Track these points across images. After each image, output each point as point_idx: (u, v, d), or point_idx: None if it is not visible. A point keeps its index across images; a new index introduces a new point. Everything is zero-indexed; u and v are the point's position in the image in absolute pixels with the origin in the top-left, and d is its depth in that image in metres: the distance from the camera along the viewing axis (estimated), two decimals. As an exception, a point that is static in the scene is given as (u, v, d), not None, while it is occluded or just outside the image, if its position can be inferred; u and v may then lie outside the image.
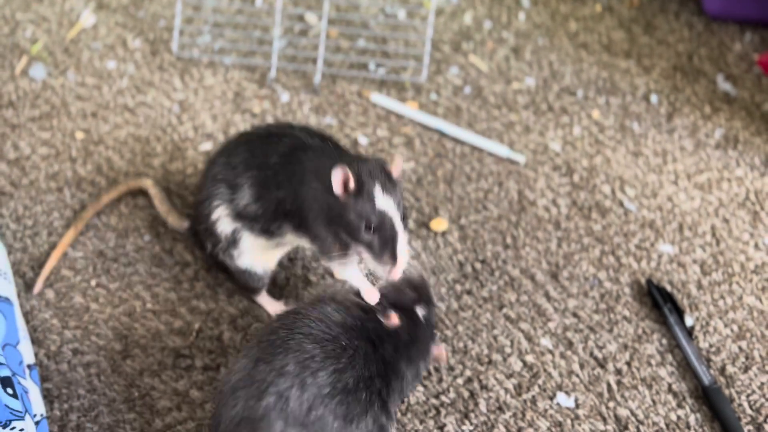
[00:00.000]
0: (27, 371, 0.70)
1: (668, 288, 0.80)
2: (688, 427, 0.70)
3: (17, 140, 0.92)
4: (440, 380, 0.73)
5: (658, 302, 0.78)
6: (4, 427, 0.63)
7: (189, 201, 0.86)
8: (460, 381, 0.73)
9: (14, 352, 0.70)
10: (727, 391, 0.73)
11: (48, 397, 0.71)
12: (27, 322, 0.76)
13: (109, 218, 0.85)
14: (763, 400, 0.72)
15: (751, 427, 0.70)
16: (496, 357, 0.75)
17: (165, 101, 0.97)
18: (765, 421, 0.71)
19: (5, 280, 0.75)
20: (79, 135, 0.93)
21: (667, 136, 0.97)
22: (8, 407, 0.64)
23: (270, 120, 0.96)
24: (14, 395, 0.66)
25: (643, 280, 0.81)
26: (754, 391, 0.73)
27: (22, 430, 0.64)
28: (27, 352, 0.72)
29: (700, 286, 0.81)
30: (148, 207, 0.85)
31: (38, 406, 0.69)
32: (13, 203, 0.86)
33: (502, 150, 0.93)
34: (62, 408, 0.70)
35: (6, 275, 0.75)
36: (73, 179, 0.88)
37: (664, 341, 0.76)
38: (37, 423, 0.66)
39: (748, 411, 0.72)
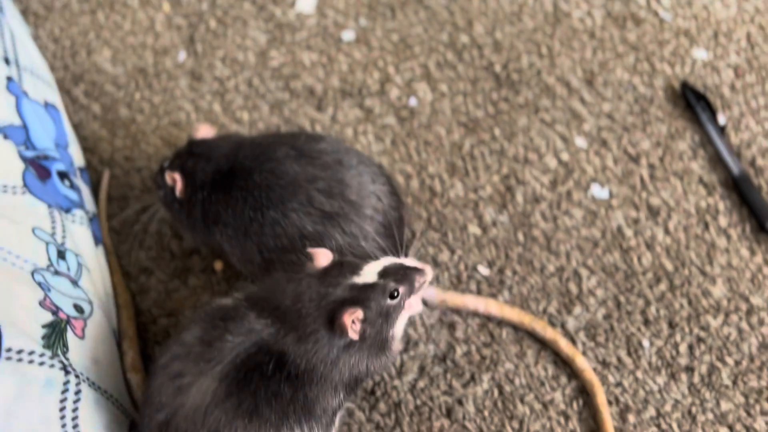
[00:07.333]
0: (78, 173, 0.73)
1: (702, 91, 0.81)
2: (717, 212, 0.74)
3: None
4: (477, 177, 0.76)
5: (691, 102, 0.79)
6: (67, 212, 0.66)
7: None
8: (496, 178, 0.76)
9: (65, 153, 0.73)
10: (756, 180, 0.75)
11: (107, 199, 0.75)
12: (77, 133, 0.79)
13: (146, 37, 0.85)
14: (790, 190, 0.75)
15: (777, 213, 0.73)
16: (532, 156, 0.77)
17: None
18: (791, 207, 0.74)
19: (50, 87, 0.77)
20: (107, -42, 0.92)
21: (704, -52, 0.94)
22: (68, 198, 0.68)
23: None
24: (71, 187, 0.69)
25: (677, 85, 0.82)
26: (781, 183, 0.76)
27: (82, 216, 0.68)
28: (77, 155, 0.75)
29: (733, 88, 0.82)
30: (182, 26, 0.86)
31: (90, 204, 0.72)
32: (49, 25, 0.86)
33: (535, -36, 0.91)
34: (122, 206, 0.74)
35: (50, 84, 0.77)
36: (107, 2, 0.88)
37: (696, 137, 0.78)
38: (90, 219, 0.70)
39: (776, 199, 0.74)
